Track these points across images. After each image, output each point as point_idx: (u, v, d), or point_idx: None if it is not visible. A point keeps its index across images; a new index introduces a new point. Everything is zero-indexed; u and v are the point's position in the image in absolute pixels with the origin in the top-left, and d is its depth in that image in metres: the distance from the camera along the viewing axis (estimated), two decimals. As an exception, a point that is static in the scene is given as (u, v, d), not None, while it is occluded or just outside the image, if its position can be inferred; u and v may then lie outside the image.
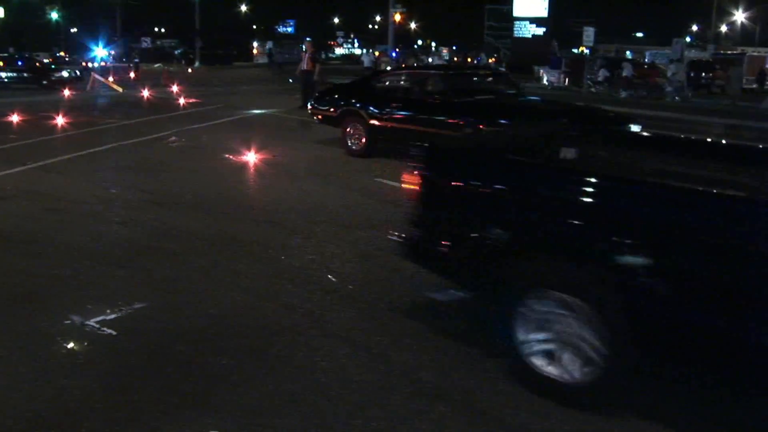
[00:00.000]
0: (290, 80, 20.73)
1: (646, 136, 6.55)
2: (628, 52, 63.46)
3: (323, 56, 61.37)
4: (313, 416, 3.80)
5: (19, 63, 31.84)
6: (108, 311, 5.17)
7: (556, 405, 3.90)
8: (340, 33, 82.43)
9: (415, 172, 4.68)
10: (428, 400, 3.98)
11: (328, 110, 13.32)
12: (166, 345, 4.65)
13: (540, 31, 55.50)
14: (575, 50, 55.09)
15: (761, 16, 67.96)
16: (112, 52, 53.96)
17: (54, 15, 64.34)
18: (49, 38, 61.94)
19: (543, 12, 55.44)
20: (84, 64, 43.40)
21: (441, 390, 4.10)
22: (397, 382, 4.19)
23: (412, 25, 72.03)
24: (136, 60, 44.15)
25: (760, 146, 5.41)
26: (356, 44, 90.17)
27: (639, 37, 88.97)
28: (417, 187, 4.67)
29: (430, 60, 39.81)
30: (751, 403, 3.76)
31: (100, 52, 48.21)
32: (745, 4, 68.48)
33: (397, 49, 43.55)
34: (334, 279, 5.98)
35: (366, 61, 40.79)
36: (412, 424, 3.75)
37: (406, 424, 3.75)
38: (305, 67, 20.35)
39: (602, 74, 35.70)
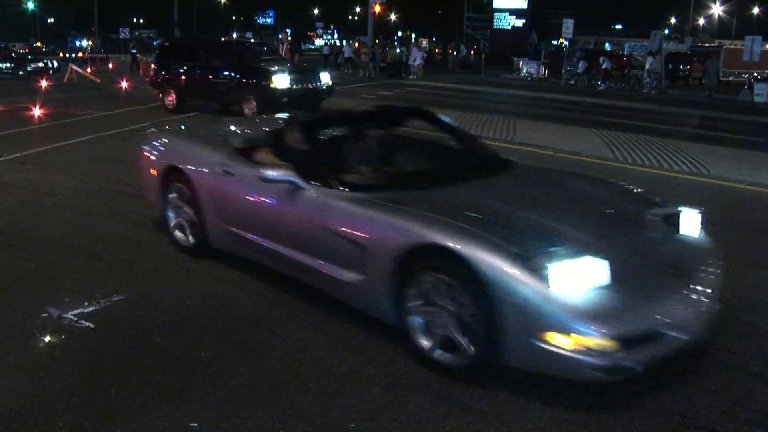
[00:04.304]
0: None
1: None
2: (606, 44, 63.77)
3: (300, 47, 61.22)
4: (290, 407, 3.81)
5: None
6: (85, 303, 5.15)
7: (535, 396, 3.94)
8: (319, 24, 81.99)
9: None
10: (406, 391, 4.00)
11: None
12: (144, 337, 4.64)
13: (520, 22, 55.61)
14: (554, 42, 55.32)
15: (737, 10, 68.62)
16: (90, 43, 53.06)
17: (30, 4, 63.59)
18: (24, 28, 61.23)
19: (523, 3, 55.55)
20: (61, 54, 42.63)
21: (419, 381, 4.12)
22: (375, 373, 4.21)
23: (392, 16, 71.90)
24: (133, 50, 38.68)
25: None
26: (336, 35, 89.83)
27: (618, 29, 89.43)
28: None
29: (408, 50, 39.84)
30: None
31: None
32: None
33: (377, 41, 43.46)
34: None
35: (347, 52, 40.65)
36: (390, 414, 3.77)
37: (384, 415, 3.77)
38: (283, 57, 20.32)
39: (582, 66, 35.86)
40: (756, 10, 72.09)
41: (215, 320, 4.93)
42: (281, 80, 15.93)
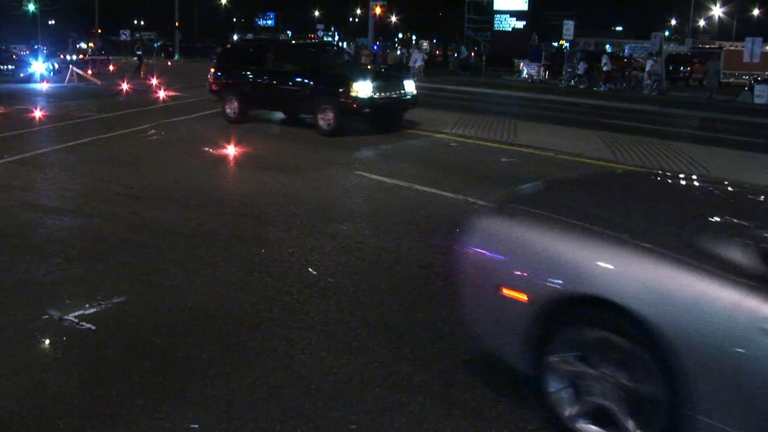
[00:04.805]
0: None
1: None
2: (607, 46, 63.81)
3: None
4: (291, 409, 3.81)
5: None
6: (86, 305, 5.15)
7: (536, 397, 3.93)
8: (320, 26, 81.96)
9: None
10: (407, 393, 4.00)
11: None
12: (145, 339, 4.64)
13: (520, 24, 55.68)
14: (555, 43, 55.33)
15: (737, 11, 68.72)
16: (91, 45, 52.97)
17: (31, 7, 63.61)
18: (26, 30, 61.21)
19: (523, 5, 55.59)
20: (62, 56, 42.58)
21: (420, 382, 4.12)
22: (376, 374, 4.21)
23: (393, 18, 71.87)
24: (139, 52, 38.11)
25: None
26: (337, 37, 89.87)
27: (618, 31, 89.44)
28: None
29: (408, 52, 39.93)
30: None
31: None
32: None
33: (378, 43, 43.51)
34: (313, 272, 5.98)
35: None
36: (391, 416, 3.77)
37: (384, 416, 3.77)
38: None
39: (582, 67, 35.86)
40: (756, 12, 72.16)
41: (216, 321, 4.93)
42: (363, 88, 13.74)
